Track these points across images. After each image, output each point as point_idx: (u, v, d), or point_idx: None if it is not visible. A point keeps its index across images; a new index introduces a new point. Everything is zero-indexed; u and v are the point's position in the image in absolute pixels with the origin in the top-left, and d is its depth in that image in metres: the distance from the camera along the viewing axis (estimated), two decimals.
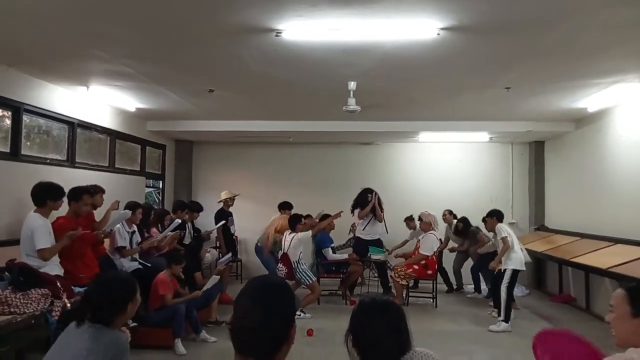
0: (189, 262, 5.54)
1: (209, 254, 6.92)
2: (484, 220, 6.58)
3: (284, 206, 7.78)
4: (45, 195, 4.27)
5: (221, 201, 7.58)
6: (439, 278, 8.16)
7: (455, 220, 7.97)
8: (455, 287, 8.24)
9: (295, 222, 6.57)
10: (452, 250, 8.17)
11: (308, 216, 7.18)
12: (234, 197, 7.68)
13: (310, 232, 6.67)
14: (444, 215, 8.14)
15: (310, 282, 6.44)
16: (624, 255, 5.52)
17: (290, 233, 6.51)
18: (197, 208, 7.20)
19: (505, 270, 5.98)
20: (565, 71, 4.86)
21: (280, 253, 6.63)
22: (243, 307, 1.32)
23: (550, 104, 6.35)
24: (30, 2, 3.30)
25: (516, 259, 5.96)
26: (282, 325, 1.32)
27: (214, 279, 5.59)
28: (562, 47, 4.13)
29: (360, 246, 7.52)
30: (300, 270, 6.39)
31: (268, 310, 1.30)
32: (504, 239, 5.97)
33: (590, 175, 7.09)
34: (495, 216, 6.36)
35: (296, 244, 6.39)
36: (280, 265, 6.55)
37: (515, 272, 5.96)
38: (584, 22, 3.53)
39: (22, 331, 3.46)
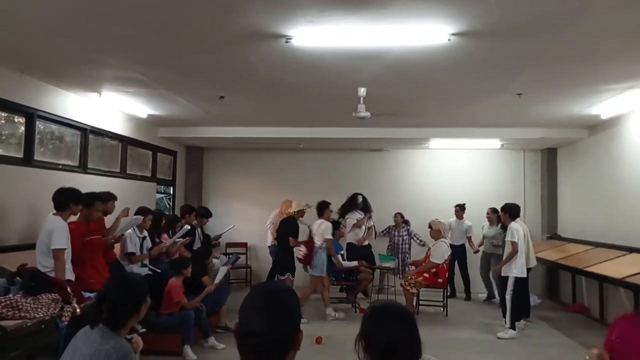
0: (196, 267, 5.55)
1: (218, 260, 6.92)
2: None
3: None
4: (69, 198, 4.34)
5: (293, 212, 7.05)
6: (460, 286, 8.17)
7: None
8: (486, 296, 8.08)
9: (324, 208, 6.75)
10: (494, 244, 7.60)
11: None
12: (301, 210, 7.06)
13: (330, 225, 6.80)
14: (487, 214, 7.85)
15: (319, 275, 6.50)
16: (639, 264, 5.41)
17: (318, 219, 6.72)
18: (206, 214, 7.20)
19: (507, 277, 5.85)
20: (578, 76, 4.81)
21: None
22: (248, 312, 1.31)
23: (563, 110, 6.28)
24: (43, 9, 3.34)
25: (519, 265, 5.78)
26: (288, 330, 1.30)
27: (223, 270, 5.73)
28: (575, 52, 4.09)
29: (354, 252, 7.57)
30: (319, 257, 6.48)
31: (273, 315, 1.29)
32: (512, 244, 5.79)
33: (604, 183, 6.99)
34: (508, 212, 6.04)
35: (323, 230, 6.57)
36: (302, 246, 6.69)
37: (518, 280, 5.79)
38: (596, 26, 3.49)
39: (33, 336, 3.46)
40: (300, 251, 6.67)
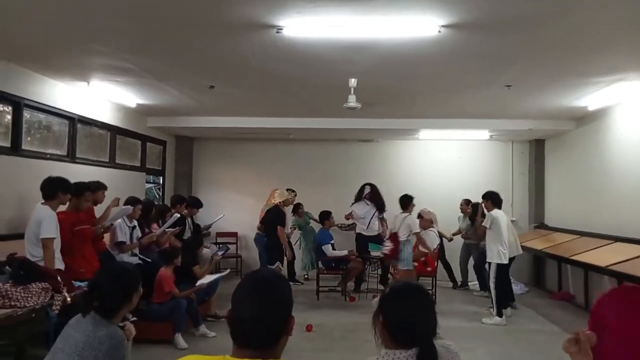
0: (187, 256, 5.56)
1: (208, 250, 6.94)
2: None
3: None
4: (56, 187, 4.32)
5: (279, 203, 7.16)
6: (442, 275, 8.23)
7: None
8: (460, 283, 8.25)
9: (408, 202, 6.78)
10: (463, 236, 8.03)
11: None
12: (286, 199, 7.30)
13: (415, 218, 6.83)
14: (461, 205, 8.04)
15: (408, 268, 6.56)
16: (623, 253, 5.53)
17: (402, 213, 6.73)
18: (196, 204, 7.20)
19: (490, 264, 6.00)
20: (566, 69, 4.86)
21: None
22: (240, 299, 1.34)
23: (551, 102, 6.34)
24: None
25: (500, 253, 5.92)
26: (280, 316, 1.33)
27: (222, 271, 5.66)
28: (563, 45, 4.13)
29: (362, 243, 7.54)
30: (405, 251, 6.54)
31: (265, 301, 1.32)
32: (485, 228, 6.04)
33: (590, 174, 7.09)
34: (490, 198, 6.19)
35: (409, 225, 6.58)
36: (387, 241, 6.74)
37: (499, 267, 5.93)
38: (585, 19, 3.53)
39: (23, 325, 3.46)
40: (386, 246, 6.67)
